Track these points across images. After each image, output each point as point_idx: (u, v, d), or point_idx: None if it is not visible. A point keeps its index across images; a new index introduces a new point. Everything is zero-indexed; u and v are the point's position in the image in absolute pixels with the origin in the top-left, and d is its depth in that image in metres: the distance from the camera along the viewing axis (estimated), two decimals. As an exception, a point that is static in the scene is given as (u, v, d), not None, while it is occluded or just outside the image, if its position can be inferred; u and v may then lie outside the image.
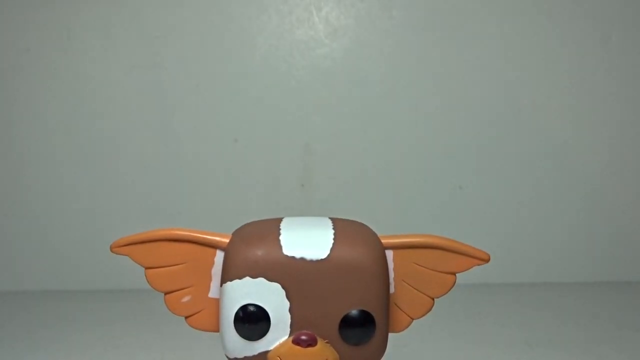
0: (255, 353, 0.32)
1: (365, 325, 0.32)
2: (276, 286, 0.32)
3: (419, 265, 0.35)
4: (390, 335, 0.34)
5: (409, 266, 0.35)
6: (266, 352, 0.32)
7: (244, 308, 0.32)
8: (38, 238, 0.74)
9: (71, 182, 0.73)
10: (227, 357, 0.33)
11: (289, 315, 0.32)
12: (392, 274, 0.34)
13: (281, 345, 0.32)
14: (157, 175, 0.73)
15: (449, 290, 0.35)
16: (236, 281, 0.32)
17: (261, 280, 0.32)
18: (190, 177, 0.73)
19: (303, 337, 0.31)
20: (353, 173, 0.74)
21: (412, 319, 0.35)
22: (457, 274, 0.35)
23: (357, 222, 0.35)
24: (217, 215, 0.71)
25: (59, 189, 0.73)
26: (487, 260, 0.36)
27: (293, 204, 0.72)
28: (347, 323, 0.32)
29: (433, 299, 0.35)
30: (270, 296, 0.32)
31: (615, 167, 0.77)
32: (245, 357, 0.32)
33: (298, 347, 0.31)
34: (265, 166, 0.73)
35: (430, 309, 0.35)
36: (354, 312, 0.32)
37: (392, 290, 0.34)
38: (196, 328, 0.35)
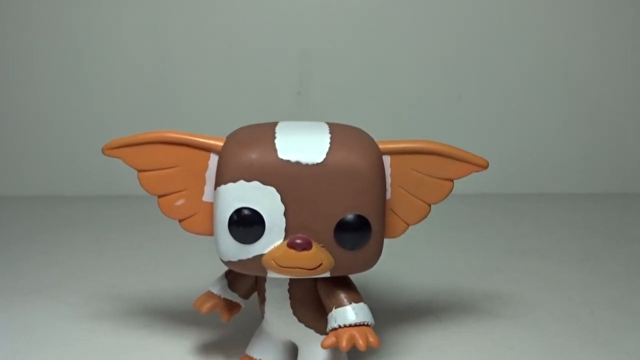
0: (250, 256, 0.32)
1: (361, 230, 0.32)
2: (271, 190, 0.31)
3: (416, 171, 0.35)
4: (385, 241, 0.34)
5: (406, 172, 0.35)
6: (261, 256, 0.32)
7: (238, 211, 0.31)
8: (33, 144, 0.73)
9: (65, 88, 0.72)
10: (222, 260, 0.33)
11: (283, 219, 0.31)
12: (388, 180, 0.34)
13: (276, 248, 0.32)
14: (151, 80, 0.72)
15: (445, 197, 0.36)
16: (230, 184, 0.32)
17: (256, 183, 0.31)
18: (184, 82, 0.72)
19: (298, 241, 0.31)
20: (351, 81, 0.72)
21: (408, 225, 0.35)
22: (454, 181, 0.35)
23: (355, 127, 0.35)
24: (210, 123, 0.70)
25: (53, 94, 0.72)
26: (485, 167, 0.36)
27: (289, 112, 0.71)
28: (342, 227, 0.31)
29: (429, 205, 0.35)
30: (264, 200, 0.31)
31: (615, 80, 0.76)
32: (239, 261, 0.32)
33: (293, 251, 0.31)
34: (261, 72, 0.72)
35: (426, 215, 0.36)
36: (350, 216, 0.31)
37: (388, 195, 0.34)
38: (190, 231, 0.34)
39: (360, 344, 0.32)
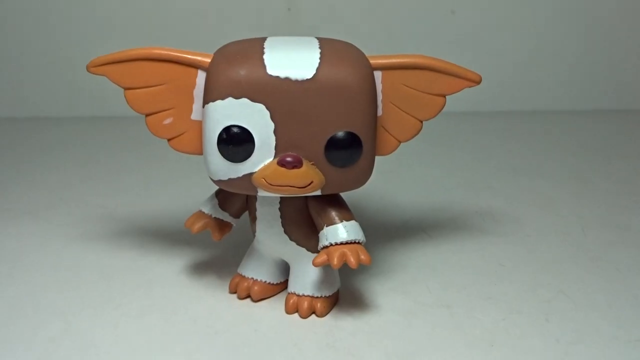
0: (240, 175, 0.32)
1: (352, 147, 0.31)
2: (260, 107, 0.31)
3: (408, 86, 0.34)
4: (376, 158, 0.34)
5: (398, 88, 0.34)
6: (251, 174, 0.32)
7: (227, 129, 0.31)
8: (17, 65, 0.72)
9: (49, 6, 0.70)
10: (212, 179, 0.33)
11: (273, 137, 0.31)
12: (380, 96, 0.34)
13: (266, 167, 0.31)
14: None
15: (437, 113, 0.35)
16: (219, 102, 0.31)
17: (244, 100, 0.31)
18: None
19: (288, 159, 0.31)
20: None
21: (400, 142, 0.35)
22: (446, 97, 0.35)
23: (345, 42, 0.34)
24: (196, 41, 0.69)
25: (36, 11, 0.70)
26: (478, 82, 0.35)
27: (279, 29, 0.70)
28: (333, 145, 0.31)
29: (421, 122, 0.35)
30: (254, 117, 0.31)
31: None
32: (229, 179, 0.32)
33: (283, 169, 0.31)
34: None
35: (418, 132, 0.35)
36: (340, 133, 0.31)
37: (379, 112, 0.34)
38: (179, 150, 0.34)
39: (352, 261, 0.32)
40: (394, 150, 0.35)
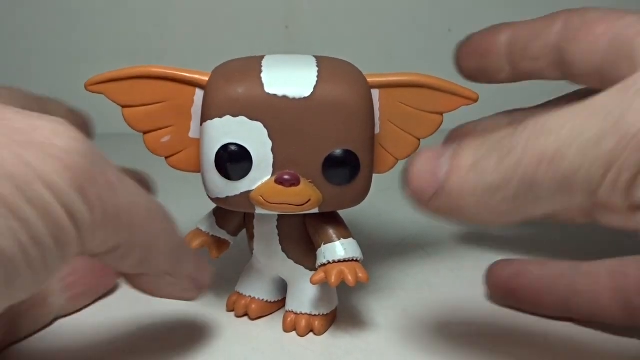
0: (237, 193, 0.32)
1: (349, 165, 0.31)
2: (258, 125, 0.31)
3: (406, 104, 0.34)
4: (374, 176, 0.34)
5: (395, 106, 0.34)
6: (248, 192, 0.32)
7: (225, 147, 0.31)
8: (16, 82, 0.72)
9: (45, 21, 0.70)
10: (210, 197, 0.33)
11: (271, 155, 0.31)
12: (377, 114, 0.34)
13: (264, 185, 0.31)
14: (135, 14, 0.70)
15: (435, 131, 0.35)
16: (216, 120, 0.31)
17: (242, 118, 0.31)
18: (168, 16, 0.71)
19: (286, 177, 0.31)
20: (339, 14, 0.71)
21: (397, 160, 0.35)
22: (444, 115, 0.35)
23: (343, 60, 0.34)
24: (193, 58, 0.68)
25: (33, 28, 0.70)
26: (475, 100, 0.35)
27: (276, 47, 0.70)
28: (330, 162, 0.31)
29: (419, 140, 0.35)
30: (251, 135, 0.31)
31: None
32: (227, 197, 0.32)
33: (281, 187, 0.31)
34: (248, 5, 0.70)
35: (415, 150, 0.35)
36: (338, 151, 0.31)
37: (377, 130, 0.34)
38: (177, 168, 0.34)
39: (350, 279, 0.32)
40: (391, 168, 0.35)
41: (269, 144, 0.31)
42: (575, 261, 0.37)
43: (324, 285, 0.34)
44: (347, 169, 0.31)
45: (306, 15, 0.71)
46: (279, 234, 0.34)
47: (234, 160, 0.31)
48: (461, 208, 0.28)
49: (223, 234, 0.37)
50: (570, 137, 0.24)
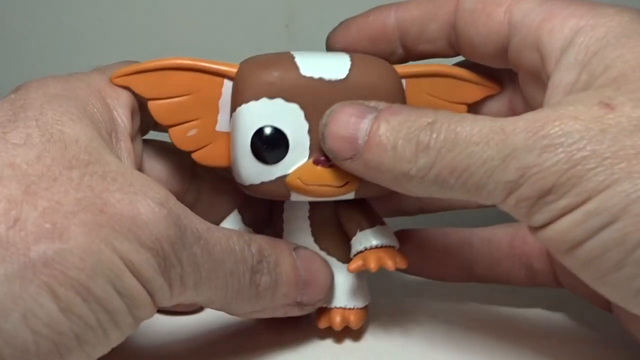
0: (273, 178, 0.31)
1: None
2: (294, 107, 0.31)
3: (431, 95, 0.34)
4: None
5: (421, 96, 0.34)
6: (284, 177, 0.31)
7: (261, 130, 0.31)
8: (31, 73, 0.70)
9: (62, 14, 0.69)
10: (242, 186, 0.32)
11: (307, 137, 0.31)
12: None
13: (301, 167, 0.31)
14: (135, 12, 0.69)
15: None
16: (252, 102, 0.31)
17: (279, 100, 0.31)
18: (167, 14, 0.70)
19: (323, 157, 0.31)
20: (340, 13, 0.70)
21: None
22: (468, 105, 0.35)
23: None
24: (195, 56, 0.68)
25: (50, 23, 0.69)
26: (498, 91, 0.35)
27: (276, 46, 0.69)
28: None
29: None
30: (288, 117, 0.31)
31: None
32: (261, 183, 0.31)
33: (319, 167, 0.31)
34: (248, 4, 0.70)
35: None
36: None
37: None
38: (203, 163, 0.33)
39: (389, 264, 0.31)
40: None
41: (305, 126, 0.31)
42: (474, 228, 0.38)
43: (357, 278, 0.34)
44: None
45: (307, 15, 0.70)
46: (310, 225, 0.34)
47: (270, 143, 0.31)
48: (376, 179, 0.30)
49: (249, 232, 0.36)
50: (481, 159, 0.26)
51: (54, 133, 0.27)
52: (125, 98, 0.32)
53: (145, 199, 0.26)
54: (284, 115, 0.30)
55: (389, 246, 0.32)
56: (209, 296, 0.29)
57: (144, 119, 0.33)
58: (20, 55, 0.69)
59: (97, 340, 0.25)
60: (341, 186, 0.31)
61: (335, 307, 0.34)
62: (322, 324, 0.34)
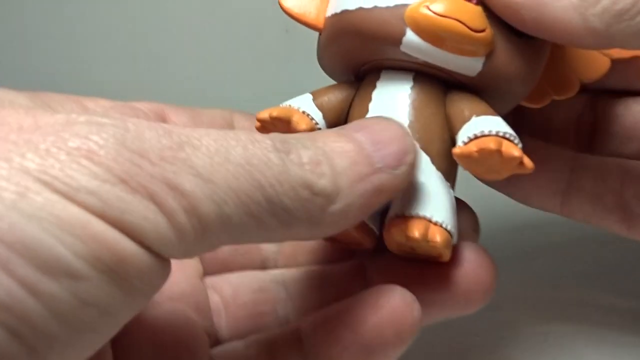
0: (391, 4, 0.25)
1: None
2: None
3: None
4: None
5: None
6: (405, 6, 0.25)
7: None
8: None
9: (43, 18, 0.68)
10: (337, 16, 0.27)
11: None
12: None
13: None
14: (134, 17, 0.69)
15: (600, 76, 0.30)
16: None
17: None
18: (166, 20, 0.69)
19: None
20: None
21: (552, 97, 0.30)
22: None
23: None
24: (195, 61, 0.68)
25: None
26: None
27: (276, 51, 0.69)
28: None
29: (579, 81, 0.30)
30: None
31: None
32: (373, 8, 0.26)
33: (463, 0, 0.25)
34: (247, 9, 0.69)
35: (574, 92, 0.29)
36: None
37: None
38: None
39: (516, 153, 0.25)
40: (544, 103, 0.30)
41: None
42: (580, 153, 0.34)
43: (449, 196, 0.27)
44: None
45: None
46: (411, 104, 0.27)
47: None
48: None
49: (318, 116, 0.28)
50: None
51: None
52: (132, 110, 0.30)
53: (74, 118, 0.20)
54: None
55: (512, 140, 0.25)
56: (240, 219, 0.21)
57: None
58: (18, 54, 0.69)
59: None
60: (478, 31, 0.25)
61: (418, 216, 0.26)
62: (392, 234, 0.26)
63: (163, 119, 0.32)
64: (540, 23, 0.25)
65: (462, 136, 0.26)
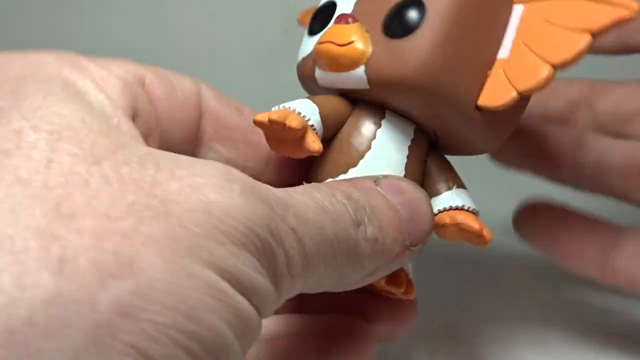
0: (310, 51, 0.30)
1: (409, 6, 0.27)
2: None
3: (549, 22, 0.27)
4: None
5: (537, 25, 0.28)
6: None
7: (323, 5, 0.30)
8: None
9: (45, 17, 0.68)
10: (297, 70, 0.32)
11: (352, 7, 0.29)
12: (512, 35, 0.28)
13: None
14: (134, 15, 0.69)
15: (575, 56, 0.26)
16: None
17: None
18: (166, 18, 0.69)
19: (341, 15, 0.28)
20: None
21: (517, 92, 0.27)
22: (593, 35, 0.26)
23: None
24: (194, 60, 0.67)
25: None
26: (635, 14, 0.26)
27: (275, 50, 0.69)
28: (393, 9, 0.27)
29: (552, 67, 0.27)
30: None
31: None
32: (302, 60, 0.31)
33: (334, 25, 0.28)
34: (247, 9, 0.69)
35: (542, 81, 0.27)
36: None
37: (506, 54, 0.28)
38: None
39: (475, 226, 0.28)
40: (507, 103, 0.28)
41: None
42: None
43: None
44: (403, 13, 0.27)
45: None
46: (408, 157, 0.29)
47: (319, 12, 0.30)
48: None
49: (314, 117, 0.29)
50: None
51: (51, 119, 0.20)
52: (112, 77, 0.26)
53: (207, 178, 0.19)
54: None
55: (474, 212, 0.29)
56: (319, 277, 0.23)
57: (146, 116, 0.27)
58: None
59: None
60: (343, 44, 0.27)
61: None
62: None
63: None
64: None
65: (439, 204, 0.29)
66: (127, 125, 0.24)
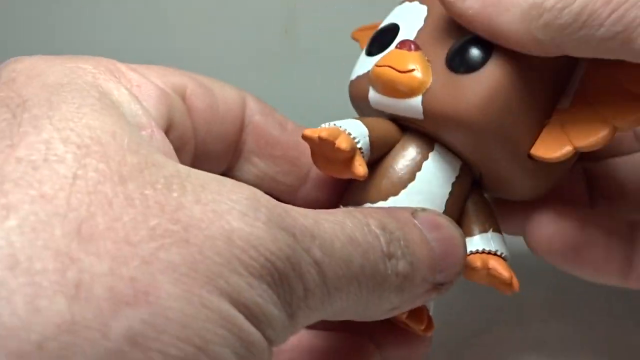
0: (367, 70, 0.30)
1: (473, 47, 0.27)
2: (423, 8, 0.29)
3: (615, 80, 0.26)
4: None
5: (602, 81, 0.27)
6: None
7: (385, 27, 0.30)
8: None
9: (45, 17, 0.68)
10: (349, 88, 0.32)
11: (415, 34, 0.29)
12: (575, 86, 0.28)
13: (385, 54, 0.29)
14: (134, 15, 0.69)
15: (636, 119, 0.26)
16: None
17: (415, 3, 0.30)
18: (166, 19, 0.69)
19: (404, 41, 0.28)
20: (339, 18, 0.70)
21: (574, 147, 0.27)
22: None
23: None
24: (194, 61, 0.67)
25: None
26: None
27: (275, 51, 0.69)
28: (457, 47, 0.27)
29: (613, 127, 0.26)
30: (411, 15, 0.29)
31: None
32: (356, 77, 0.30)
33: (397, 50, 0.28)
34: (247, 9, 0.69)
35: (601, 140, 0.26)
36: (468, 37, 0.27)
37: (567, 105, 0.28)
38: None
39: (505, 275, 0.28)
40: (564, 157, 0.27)
41: (420, 25, 0.29)
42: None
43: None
44: (469, 49, 0.27)
45: (306, 20, 0.69)
46: (450, 194, 0.29)
47: (380, 33, 0.30)
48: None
49: (367, 154, 0.29)
50: None
51: (82, 132, 0.19)
52: (150, 86, 0.26)
53: (232, 204, 0.19)
54: (409, 14, 0.29)
55: (505, 259, 0.29)
56: (339, 307, 0.22)
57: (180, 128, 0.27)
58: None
59: None
60: (403, 71, 0.27)
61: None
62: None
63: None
64: (492, 32, 0.26)
65: (479, 244, 0.29)
66: (159, 137, 0.24)
